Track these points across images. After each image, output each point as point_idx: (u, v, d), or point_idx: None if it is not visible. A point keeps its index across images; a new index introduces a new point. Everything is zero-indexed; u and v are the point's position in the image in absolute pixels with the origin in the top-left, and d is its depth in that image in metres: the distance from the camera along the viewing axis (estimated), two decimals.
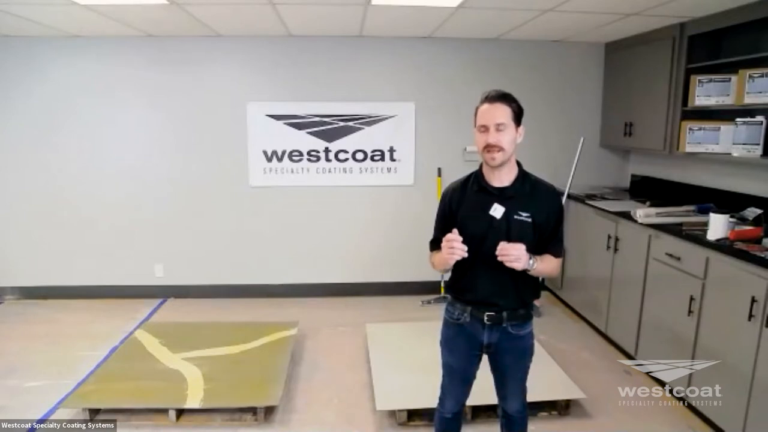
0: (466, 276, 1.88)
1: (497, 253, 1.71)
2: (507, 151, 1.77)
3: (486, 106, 1.77)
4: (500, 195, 1.83)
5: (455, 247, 1.72)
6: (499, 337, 1.90)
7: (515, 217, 1.80)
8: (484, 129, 1.76)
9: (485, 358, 2.00)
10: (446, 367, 2.06)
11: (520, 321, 1.91)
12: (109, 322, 4.03)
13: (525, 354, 1.98)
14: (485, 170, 1.87)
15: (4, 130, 4.28)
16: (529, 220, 1.81)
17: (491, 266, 1.80)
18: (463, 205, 1.88)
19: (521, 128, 1.81)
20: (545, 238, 1.85)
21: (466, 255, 1.74)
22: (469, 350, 1.96)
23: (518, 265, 1.72)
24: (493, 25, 3.84)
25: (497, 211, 1.81)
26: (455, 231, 1.75)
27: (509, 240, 1.75)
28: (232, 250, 4.57)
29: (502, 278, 1.82)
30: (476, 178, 1.89)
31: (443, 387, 2.10)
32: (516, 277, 1.82)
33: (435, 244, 1.96)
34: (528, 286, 1.89)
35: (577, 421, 2.77)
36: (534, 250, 1.81)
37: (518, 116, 1.79)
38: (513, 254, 1.70)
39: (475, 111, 1.83)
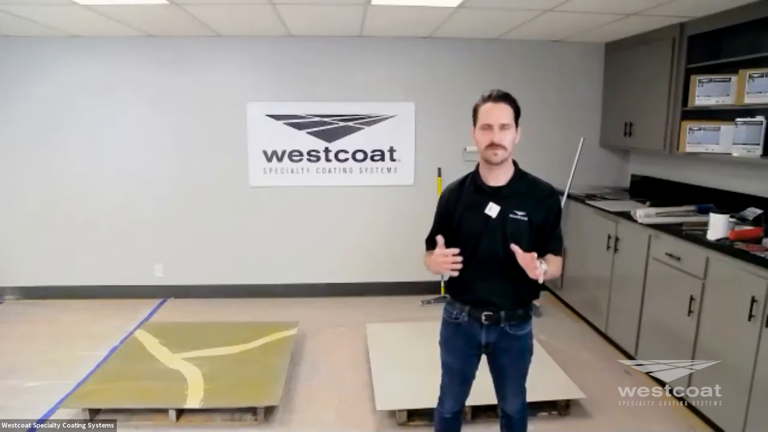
0: (464, 275, 1.87)
1: (528, 268, 1.68)
2: (508, 150, 1.78)
3: (490, 105, 1.78)
4: (496, 194, 1.84)
5: (450, 262, 1.73)
6: (497, 337, 1.90)
7: (511, 216, 1.81)
8: (488, 128, 1.77)
9: (484, 357, 2.00)
10: (445, 366, 2.06)
11: (519, 321, 1.90)
12: (109, 322, 4.03)
13: (524, 354, 1.97)
14: (482, 170, 1.88)
15: (4, 130, 4.28)
16: (525, 219, 1.81)
17: (488, 266, 1.81)
18: (459, 205, 1.89)
19: (519, 129, 1.83)
20: (543, 236, 1.85)
21: (456, 273, 1.77)
22: (468, 350, 1.96)
23: (537, 274, 1.69)
24: (493, 25, 3.84)
25: (493, 210, 1.82)
26: (442, 244, 1.76)
27: (505, 239, 1.77)
28: (232, 250, 4.57)
29: (500, 278, 1.82)
30: (473, 178, 1.90)
31: (443, 387, 2.10)
32: (514, 277, 1.81)
33: (430, 243, 1.96)
34: (527, 286, 1.88)
35: (577, 421, 2.77)
36: (531, 249, 1.81)
37: (518, 117, 1.81)
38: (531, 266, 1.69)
39: (473, 109, 1.84)
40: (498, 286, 1.85)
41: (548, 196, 1.89)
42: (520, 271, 1.77)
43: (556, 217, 1.89)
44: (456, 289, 1.94)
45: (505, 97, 1.78)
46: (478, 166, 1.90)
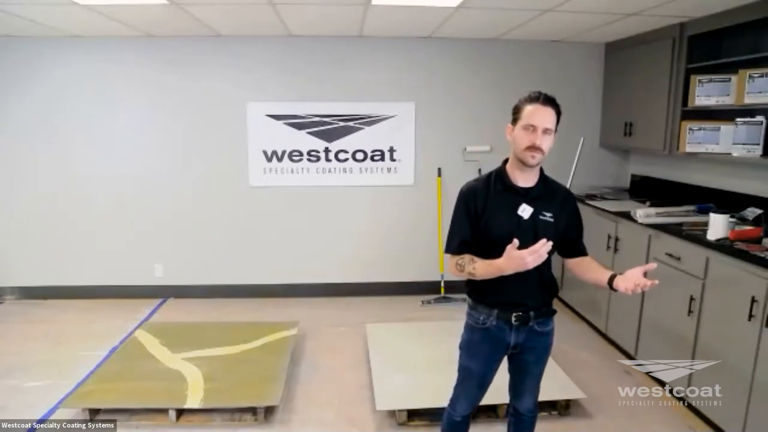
0: (494, 278, 1.81)
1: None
2: (545, 155, 1.79)
3: (536, 106, 1.77)
4: (527, 195, 1.84)
5: (540, 254, 1.64)
6: (525, 337, 1.92)
7: (541, 217, 1.82)
8: (532, 129, 1.76)
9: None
10: (465, 371, 2.02)
11: (545, 318, 1.94)
12: (109, 322, 4.03)
13: (547, 351, 2.01)
14: (511, 170, 1.86)
15: (4, 130, 4.28)
16: (552, 220, 1.83)
17: None
18: (488, 205, 1.84)
19: (555, 136, 1.83)
20: (570, 239, 1.87)
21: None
22: (493, 354, 1.96)
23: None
24: (493, 25, 3.84)
25: (525, 211, 1.82)
26: (515, 242, 1.66)
27: (537, 240, 1.69)
28: (232, 250, 4.57)
29: (529, 278, 1.80)
30: (498, 177, 1.87)
31: (457, 390, 2.07)
32: (541, 276, 1.85)
33: (464, 248, 1.85)
34: (551, 283, 1.94)
35: (577, 421, 2.77)
36: (555, 250, 1.83)
37: (557, 124, 1.82)
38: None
39: (515, 107, 1.82)
40: (528, 286, 1.85)
41: (567, 197, 1.93)
42: (547, 270, 1.83)
43: (578, 218, 1.93)
44: (481, 292, 1.90)
45: (552, 102, 1.79)
46: (504, 164, 1.89)
